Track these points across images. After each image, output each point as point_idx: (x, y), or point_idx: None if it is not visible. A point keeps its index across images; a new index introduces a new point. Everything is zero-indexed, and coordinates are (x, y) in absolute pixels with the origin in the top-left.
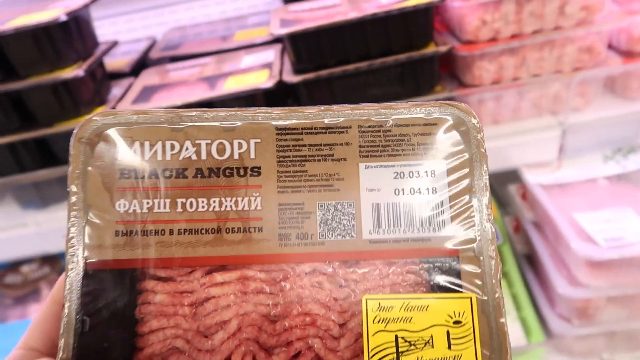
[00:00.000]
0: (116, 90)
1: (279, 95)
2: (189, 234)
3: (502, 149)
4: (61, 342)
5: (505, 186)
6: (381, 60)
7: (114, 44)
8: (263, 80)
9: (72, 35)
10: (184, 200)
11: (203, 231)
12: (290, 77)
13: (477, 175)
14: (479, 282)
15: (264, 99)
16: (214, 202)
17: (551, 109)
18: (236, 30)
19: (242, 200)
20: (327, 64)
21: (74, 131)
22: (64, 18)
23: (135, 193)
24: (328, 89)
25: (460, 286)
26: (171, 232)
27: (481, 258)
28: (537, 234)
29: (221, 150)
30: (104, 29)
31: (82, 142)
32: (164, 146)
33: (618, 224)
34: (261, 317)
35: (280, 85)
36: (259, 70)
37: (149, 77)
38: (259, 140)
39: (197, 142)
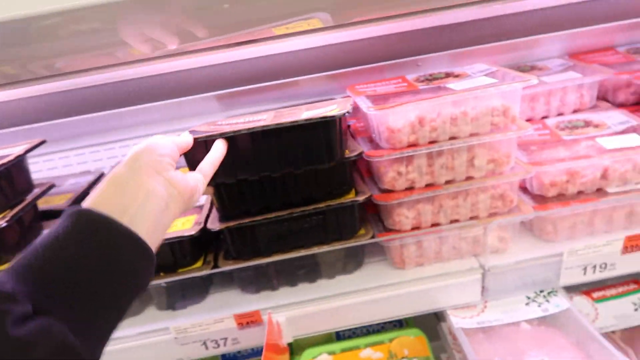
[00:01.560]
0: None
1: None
2: None
3: (427, 291)
4: None
5: (439, 323)
6: (301, 209)
7: (50, 187)
8: (188, 227)
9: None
10: None
11: None
12: (214, 225)
13: None
14: None
15: (190, 245)
16: None
17: (472, 251)
18: None
19: None
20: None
21: None
22: None
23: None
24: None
25: None
26: None
27: None
28: None
29: None
30: (54, 162)
31: None
32: None
33: None
34: None
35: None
36: (186, 216)
37: None
38: None
39: None
